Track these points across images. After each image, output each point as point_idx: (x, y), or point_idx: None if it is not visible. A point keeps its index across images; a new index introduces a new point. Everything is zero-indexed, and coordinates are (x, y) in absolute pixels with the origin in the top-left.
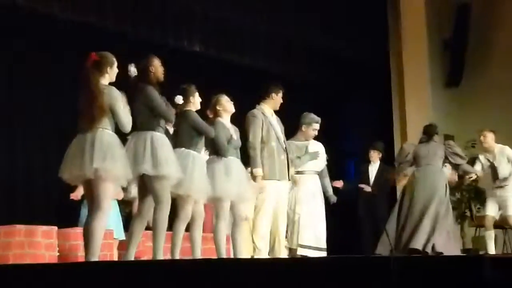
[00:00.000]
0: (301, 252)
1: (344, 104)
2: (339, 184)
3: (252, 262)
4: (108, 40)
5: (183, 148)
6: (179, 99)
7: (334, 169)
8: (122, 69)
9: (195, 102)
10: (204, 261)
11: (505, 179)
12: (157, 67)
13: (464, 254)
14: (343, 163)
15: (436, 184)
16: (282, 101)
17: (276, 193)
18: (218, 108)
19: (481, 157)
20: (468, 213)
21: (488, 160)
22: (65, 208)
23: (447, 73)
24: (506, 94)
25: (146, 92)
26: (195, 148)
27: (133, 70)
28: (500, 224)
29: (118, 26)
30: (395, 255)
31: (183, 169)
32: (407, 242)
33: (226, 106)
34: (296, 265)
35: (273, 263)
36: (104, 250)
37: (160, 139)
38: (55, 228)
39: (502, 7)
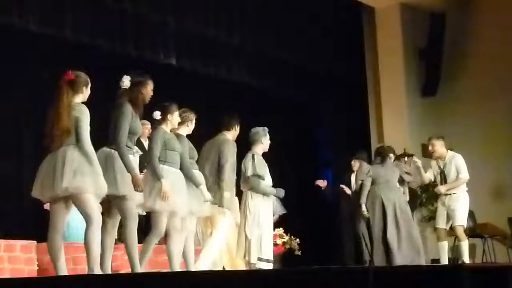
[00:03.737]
0: (261, 266)
1: (321, 115)
2: (323, 183)
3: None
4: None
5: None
6: (156, 115)
7: (312, 179)
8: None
9: (173, 120)
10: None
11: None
12: (148, 91)
13: (444, 264)
14: (320, 173)
15: (398, 199)
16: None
17: None
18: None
19: (433, 163)
20: None
21: (439, 167)
22: (43, 222)
23: (423, 83)
24: (481, 102)
25: (122, 109)
26: (164, 162)
27: (126, 83)
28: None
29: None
30: (373, 266)
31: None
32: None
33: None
34: (271, 276)
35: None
36: (83, 264)
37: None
38: (34, 242)
39: (477, 15)
